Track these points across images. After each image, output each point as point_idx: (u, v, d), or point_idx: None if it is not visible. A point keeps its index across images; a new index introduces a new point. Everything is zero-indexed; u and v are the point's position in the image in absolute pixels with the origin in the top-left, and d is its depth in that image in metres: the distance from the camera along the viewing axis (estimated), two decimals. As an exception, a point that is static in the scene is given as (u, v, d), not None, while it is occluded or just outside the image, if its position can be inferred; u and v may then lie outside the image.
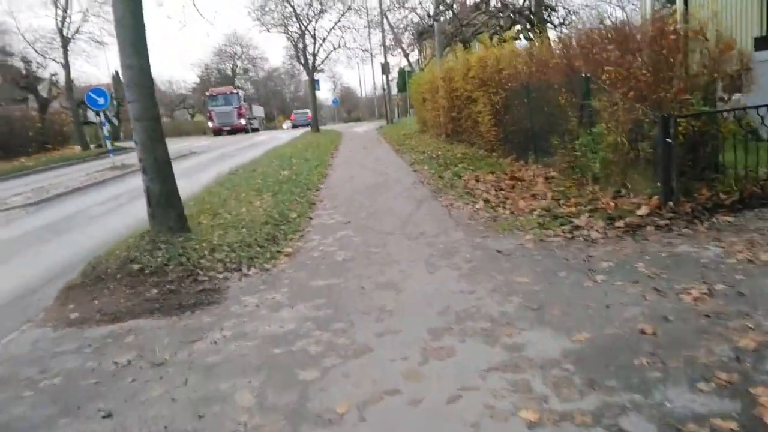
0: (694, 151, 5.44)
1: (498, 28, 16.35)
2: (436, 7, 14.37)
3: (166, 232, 5.78)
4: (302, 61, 27.71)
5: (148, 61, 5.64)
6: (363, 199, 8.17)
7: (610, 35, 6.68)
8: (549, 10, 11.69)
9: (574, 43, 7.67)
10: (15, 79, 27.38)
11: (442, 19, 14.97)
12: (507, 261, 4.61)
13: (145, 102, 5.56)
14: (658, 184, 5.37)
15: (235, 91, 43.60)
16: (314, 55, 27.49)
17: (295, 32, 26.95)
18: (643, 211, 5.28)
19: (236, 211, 7.47)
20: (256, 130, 47.21)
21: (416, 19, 21.08)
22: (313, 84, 28.35)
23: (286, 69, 55.60)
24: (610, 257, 4.43)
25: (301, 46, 27.03)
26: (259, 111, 55.17)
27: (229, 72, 60.98)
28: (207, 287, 4.78)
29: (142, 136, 5.60)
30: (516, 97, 9.28)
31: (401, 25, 20.98)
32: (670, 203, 5.26)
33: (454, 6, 12.55)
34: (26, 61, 26.81)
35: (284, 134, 34.28)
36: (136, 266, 5.16)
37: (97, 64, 64.59)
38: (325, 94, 79.53)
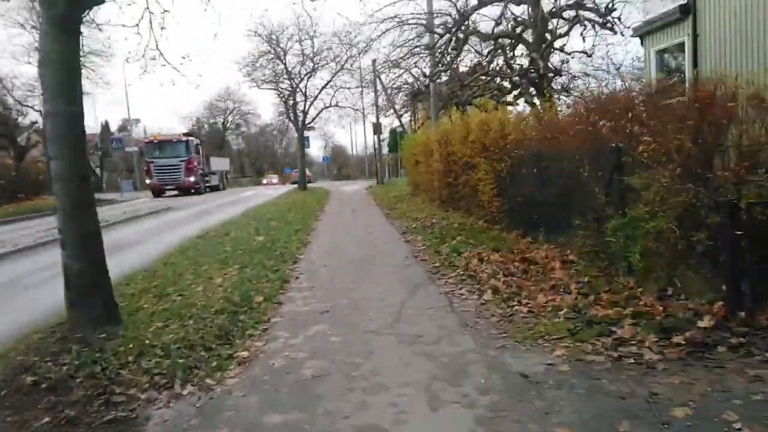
0: (765, 246, 4.30)
1: (496, 91, 15.73)
2: (433, 67, 13.66)
3: (85, 326, 4.45)
4: (292, 117, 27.07)
5: (81, 107, 4.49)
6: (347, 278, 6.91)
7: (640, 102, 5.73)
8: (554, 74, 11.16)
9: (586, 107, 6.75)
10: (-8, 126, 26.42)
11: (438, 80, 14.27)
12: (538, 395, 3.32)
13: (71, 158, 4.37)
14: (723, 287, 4.20)
15: (184, 139, 32.77)
16: (305, 113, 26.91)
17: (286, 89, 26.44)
18: (706, 322, 4.07)
19: (190, 291, 6.16)
20: (215, 188, 37.15)
21: (410, 80, 20.54)
22: (303, 141, 27.63)
23: (277, 125, 55.61)
24: (683, 398, 3.16)
25: (291, 103, 26.45)
26: (221, 164, 42.84)
27: (220, 126, 60.76)
28: (120, 415, 3.44)
29: (64, 201, 4.37)
30: (523, 166, 8.28)
31: (394, 86, 20.49)
32: (741, 313, 4.07)
33: (453, 66, 11.85)
34: (6, 108, 25.93)
35: (271, 190, 33.28)
36: (29, 379, 3.80)
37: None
38: (316, 151, 79.77)
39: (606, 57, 17.79)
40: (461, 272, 6.70)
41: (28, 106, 24.67)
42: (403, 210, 14.51)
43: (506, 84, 14.75)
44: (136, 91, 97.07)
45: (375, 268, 7.43)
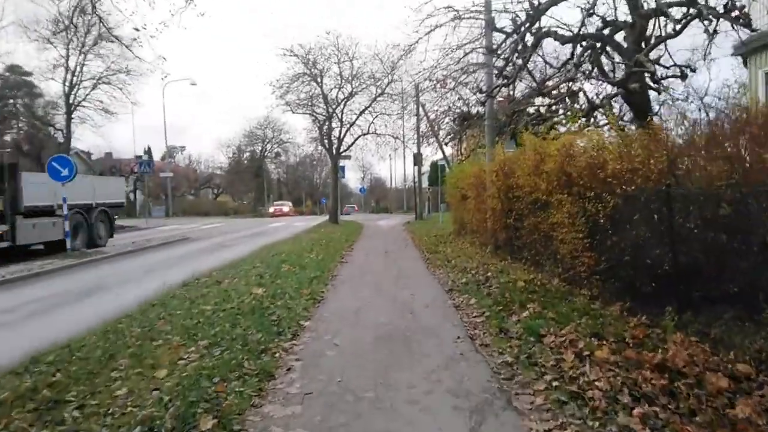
0: None
1: (565, 114, 13.13)
2: (491, 79, 11.18)
3: None
4: (327, 145, 24.99)
5: None
6: (363, 380, 4.32)
7: None
8: (659, 87, 8.60)
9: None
10: (18, 144, 25.47)
11: (497, 97, 11.76)
12: None
13: None
14: None
15: None
16: (340, 140, 24.78)
17: (321, 114, 24.48)
18: None
19: (100, 400, 3.70)
20: (92, 245, 15.58)
21: (458, 102, 18.04)
22: (336, 169, 25.48)
23: (316, 155, 54.17)
24: None
25: (326, 129, 24.42)
26: (105, 186, 17.54)
27: (258, 155, 59.88)
28: None
29: None
30: (637, 208, 5.60)
31: (439, 110, 18.13)
32: None
33: (517, 76, 9.36)
34: (33, 126, 24.95)
35: (301, 222, 31.16)
36: None
37: (103, 134, 64.15)
38: (354, 182, 78.28)
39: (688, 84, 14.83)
40: (554, 381, 4.04)
41: (50, 124, 23.47)
42: (446, 255, 11.88)
43: (579, 105, 12.12)
44: (178, 119, 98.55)
45: (410, 360, 4.80)
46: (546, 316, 5.77)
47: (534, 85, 12.98)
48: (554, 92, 11.49)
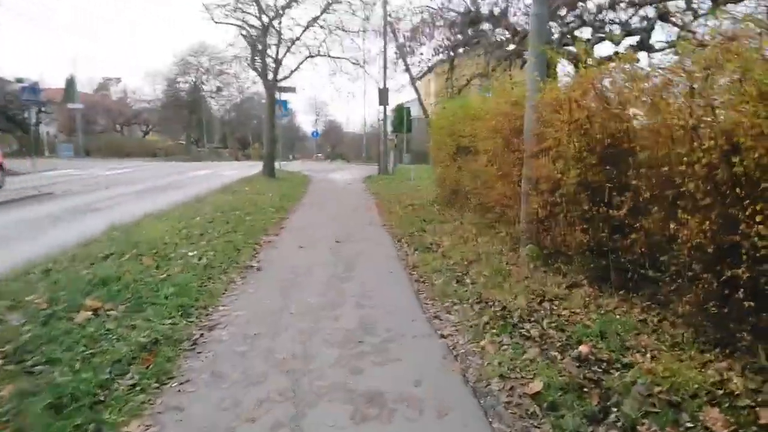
0: None
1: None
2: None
3: None
4: (259, 69, 18.43)
5: None
6: None
7: None
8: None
9: None
10: None
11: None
12: None
13: None
14: None
15: None
16: (277, 62, 18.32)
17: (254, 27, 17.87)
18: None
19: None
20: None
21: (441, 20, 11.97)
22: (273, 102, 19.15)
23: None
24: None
25: (260, 47, 17.88)
26: None
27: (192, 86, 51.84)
28: None
29: None
30: None
31: (422, 16, 12.10)
32: None
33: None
34: None
35: (232, 171, 24.87)
36: None
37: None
38: (308, 127, 71.15)
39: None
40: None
41: None
42: (448, 259, 6.49)
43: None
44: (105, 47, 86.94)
45: None
46: None
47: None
48: None
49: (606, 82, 4.41)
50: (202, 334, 4.18)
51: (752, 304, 2.94)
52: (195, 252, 6.62)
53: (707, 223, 3.22)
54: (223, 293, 5.26)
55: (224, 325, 4.39)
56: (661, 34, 10.00)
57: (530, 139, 6.03)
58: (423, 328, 4.21)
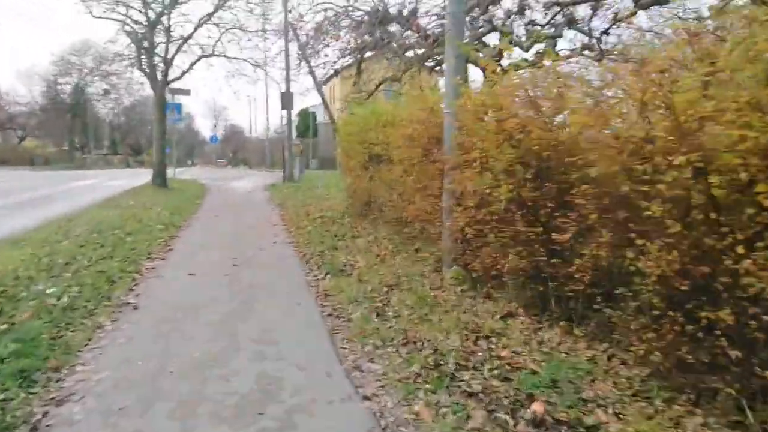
0: None
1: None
2: None
3: None
4: (146, 69, 16.50)
5: None
6: None
7: None
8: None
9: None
10: None
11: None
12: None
13: None
14: None
15: None
16: (167, 62, 16.53)
17: (139, 23, 15.99)
18: None
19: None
20: None
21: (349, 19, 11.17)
22: (162, 105, 17.32)
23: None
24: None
25: (147, 45, 16.02)
26: None
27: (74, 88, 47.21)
28: None
29: None
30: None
31: (326, 16, 11.20)
32: None
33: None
34: None
35: (121, 180, 22.49)
36: None
37: None
38: (208, 132, 67.68)
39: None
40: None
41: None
42: (360, 271, 5.76)
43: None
44: None
45: None
46: None
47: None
48: None
49: (541, 85, 3.85)
50: (46, 413, 3.10)
51: (739, 354, 2.44)
52: (55, 288, 5.34)
53: (675, 253, 2.71)
54: (86, 345, 4.12)
55: (80, 395, 3.31)
56: (563, 43, 9.89)
57: (451, 149, 5.45)
58: (341, 387, 3.39)
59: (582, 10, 9.51)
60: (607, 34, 9.35)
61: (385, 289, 5.37)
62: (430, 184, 5.99)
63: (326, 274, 6.20)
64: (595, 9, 9.36)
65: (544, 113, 3.82)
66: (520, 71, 4.58)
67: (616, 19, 8.86)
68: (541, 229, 4.07)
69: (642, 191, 2.86)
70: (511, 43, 9.84)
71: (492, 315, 4.44)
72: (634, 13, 9.19)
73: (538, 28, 9.32)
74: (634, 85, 2.99)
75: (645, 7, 9.26)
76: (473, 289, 5.10)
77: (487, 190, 4.54)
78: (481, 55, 6.28)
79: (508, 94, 4.17)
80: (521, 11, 9.31)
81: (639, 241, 2.99)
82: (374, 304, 4.91)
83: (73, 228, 8.99)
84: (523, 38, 10.23)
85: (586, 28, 9.51)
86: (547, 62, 4.01)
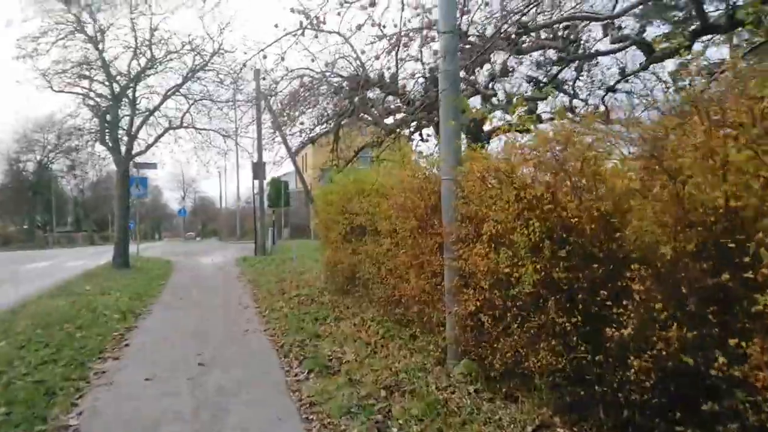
0: None
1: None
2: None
3: None
4: (109, 143, 15.59)
5: None
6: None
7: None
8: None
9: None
10: None
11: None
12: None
13: None
14: None
15: None
16: (131, 135, 15.74)
17: (104, 97, 15.28)
18: None
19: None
20: None
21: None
22: (126, 180, 16.37)
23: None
24: None
25: (110, 118, 15.23)
26: None
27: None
28: None
29: None
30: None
31: (299, 87, 10.74)
32: None
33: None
34: None
35: (77, 261, 21.04)
36: None
37: None
38: (174, 204, 66.46)
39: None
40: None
41: None
42: (349, 367, 4.84)
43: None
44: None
45: None
46: None
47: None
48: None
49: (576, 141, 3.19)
50: None
51: None
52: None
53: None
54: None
55: None
56: (543, 106, 9.58)
57: (452, 221, 4.73)
58: None
59: (568, 74, 9.32)
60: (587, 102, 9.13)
61: (383, 392, 4.43)
62: (429, 260, 5.20)
63: (309, 372, 5.22)
64: (579, 71, 9.18)
65: (583, 175, 3.13)
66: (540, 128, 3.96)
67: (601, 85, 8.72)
68: (579, 318, 3.28)
69: (747, 278, 2.12)
70: (493, 106, 9.50)
71: (522, 426, 3.56)
72: (618, 81, 9.05)
73: (524, 90, 9.02)
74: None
75: (626, 77, 9.13)
76: (489, 389, 4.22)
77: (506, 269, 3.77)
78: (474, 110, 5.69)
79: (528, 157, 3.50)
80: (504, 74, 9.00)
81: (732, 341, 2.25)
82: (373, 417, 3.97)
83: (15, 324, 7.80)
84: (504, 101, 9.91)
85: (571, 91, 9.30)
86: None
